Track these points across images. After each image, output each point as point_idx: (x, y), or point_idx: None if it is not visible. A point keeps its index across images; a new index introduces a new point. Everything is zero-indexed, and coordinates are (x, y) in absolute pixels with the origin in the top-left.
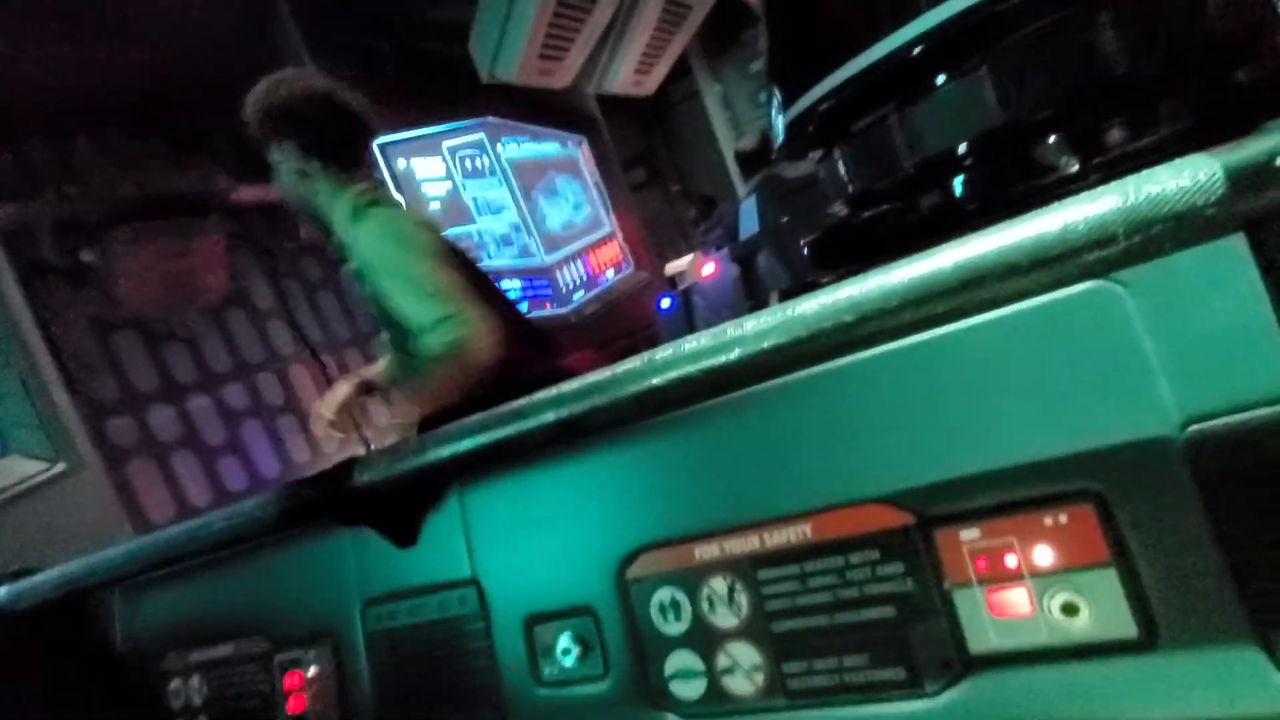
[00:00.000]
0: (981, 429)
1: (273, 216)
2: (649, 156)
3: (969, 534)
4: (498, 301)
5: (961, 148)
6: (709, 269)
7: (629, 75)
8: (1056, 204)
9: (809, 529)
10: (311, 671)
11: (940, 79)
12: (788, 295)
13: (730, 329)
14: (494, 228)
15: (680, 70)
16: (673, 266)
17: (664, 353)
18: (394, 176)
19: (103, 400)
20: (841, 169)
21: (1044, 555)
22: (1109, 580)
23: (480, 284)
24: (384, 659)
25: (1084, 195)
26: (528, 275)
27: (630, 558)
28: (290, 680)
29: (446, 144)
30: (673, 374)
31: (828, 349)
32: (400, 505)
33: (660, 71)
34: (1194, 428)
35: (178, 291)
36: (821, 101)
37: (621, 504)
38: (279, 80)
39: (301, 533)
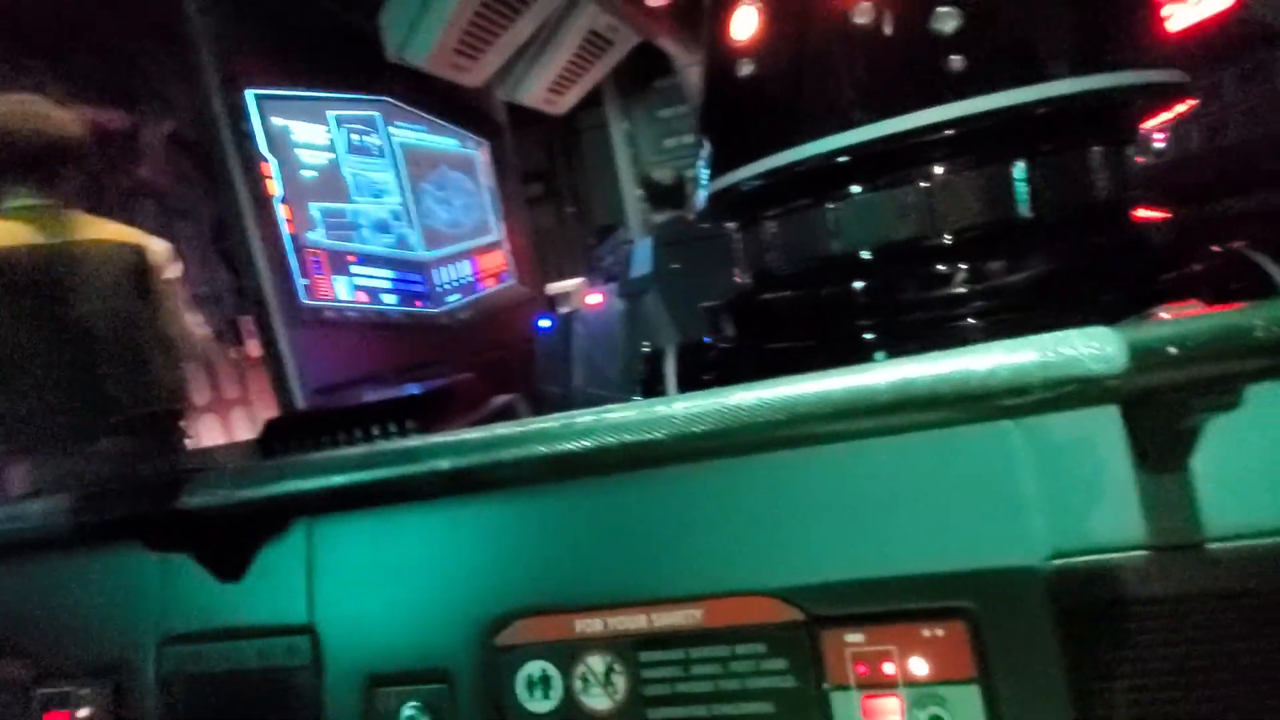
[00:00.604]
0: (877, 538)
1: (113, 147)
2: (549, 175)
3: (854, 637)
4: None
5: (865, 253)
6: (595, 299)
7: (542, 92)
8: (980, 346)
9: (700, 614)
10: (81, 714)
11: (864, 187)
12: (687, 354)
13: (660, 407)
14: (372, 211)
15: (593, 100)
16: (556, 287)
17: (584, 419)
18: (267, 133)
19: None
20: (755, 245)
21: (919, 666)
22: (972, 697)
23: None
24: (179, 709)
25: (1003, 344)
26: (402, 267)
27: (501, 623)
28: None
29: (334, 113)
30: (590, 442)
31: (751, 444)
32: (232, 533)
33: (574, 96)
34: (1058, 561)
35: None
36: (746, 182)
37: (499, 563)
38: None
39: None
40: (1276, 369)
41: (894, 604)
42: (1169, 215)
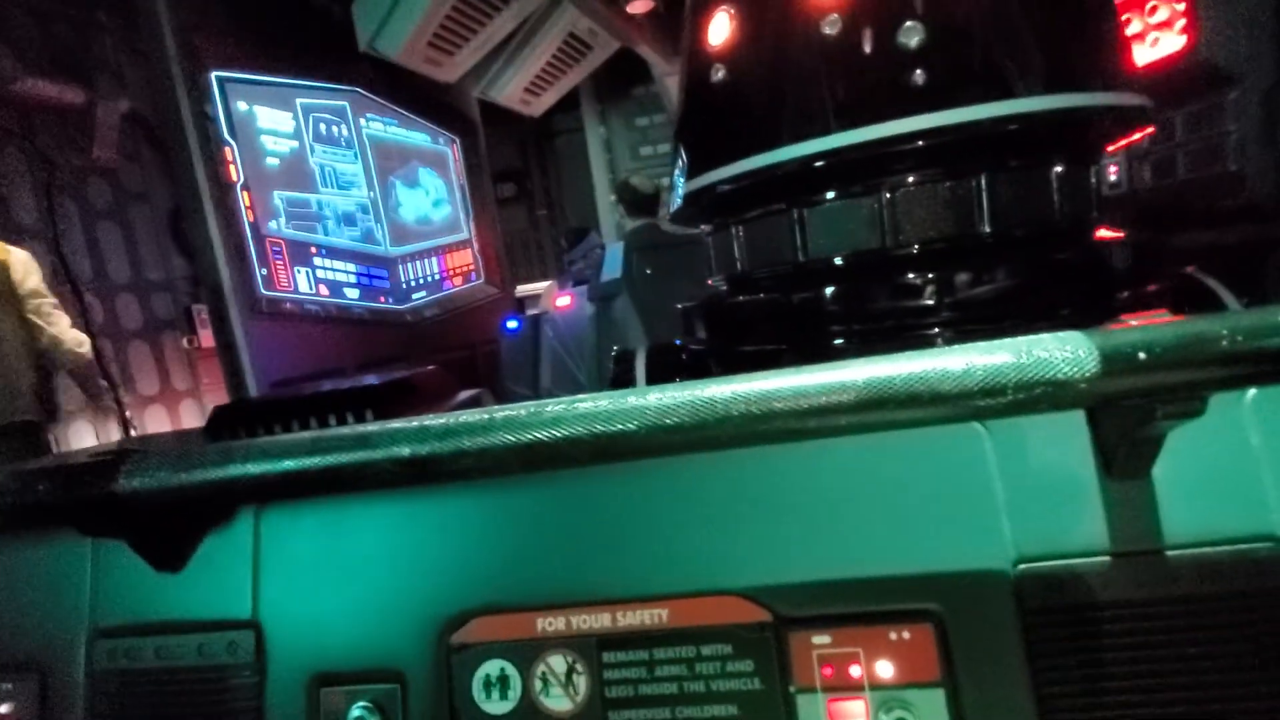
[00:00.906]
0: (846, 538)
1: (65, 122)
2: (522, 175)
3: (820, 639)
4: None
5: (839, 259)
6: (564, 301)
7: (518, 92)
8: (959, 346)
9: (665, 613)
10: (2, 710)
11: (833, 194)
12: (657, 355)
13: (632, 398)
14: (338, 203)
15: (569, 103)
16: (525, 289)
17: (554, 407)
18: (230, 118)
19: None
20: (727, 248)
21: (885, 669)
22: (938, 700)
23: None
24: (110, 709)
25: (980, 345)
26: (367, 262)
27: (457, 621)
28: None
29: (302, 100)
30: (559, 432)
31: (724, 438)
32: (172, 520)
33: (550, 98)
34: (1024, 565)
35: None
36: (721, 183)
37: (457, 558)
38: None
39: (22, 529)
40: (1240, 378)
41: (862, 606)
42: (1126, 238)
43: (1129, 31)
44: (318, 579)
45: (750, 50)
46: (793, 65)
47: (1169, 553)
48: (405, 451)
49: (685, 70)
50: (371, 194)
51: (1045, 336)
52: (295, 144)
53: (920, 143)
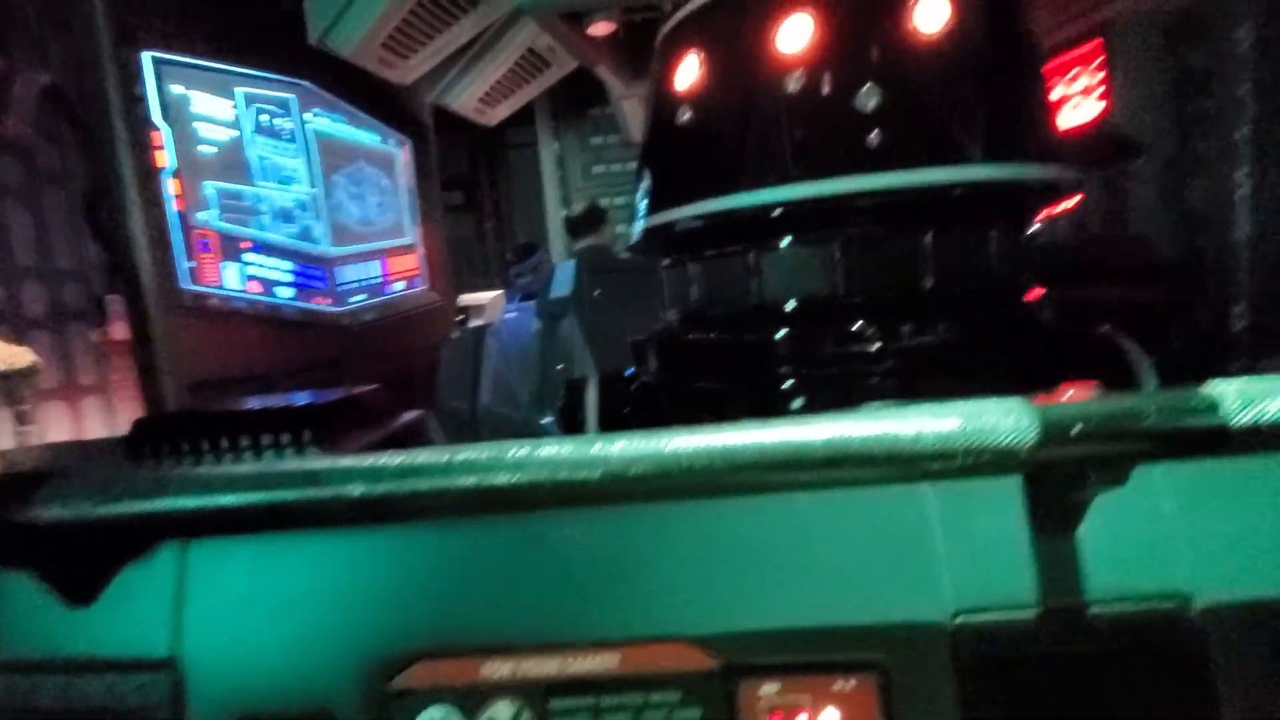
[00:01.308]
0: (797, 588)
1: None
2: (471, 185)
3: (769, 688)
4: None
5: (790, 304)
6: (511, 315)
7: (474, 101)
8: (913, 409)
9: (616, 659)
10: None
11: (787, 241)
12: (609, 386)
13: (596, 446)
14: (276, 198)
15: (525, 117)
16: (468, 299)
17: (517, 451)
18: (162, 100)
19: None
20: (683, 284)
21: (830, 717)
22: None
23: None
24: None
25: (928, 409)
26: (304, 261)
27: (397, 664)
28: None
29: (245, 90)
30: (521, 477)
31: (686, 490)
32: (90, 551)
33: (505, 109)
34: (960, 618)
35: None
36: (678, 223)
37: (398, 598)
38: None
39: None
40: (1160, 452)
41: (810, 655)
42: (1051, 296)
43: (1054, 95)
44: (247, 616)
45: (716, 96)
46: (756, 116)
47: (1090, 608)
48: (357, 491)
49: (652, 105)
50: (313, 190)
51: (991, 403)
52: (234, 133)
53: (872, 201)
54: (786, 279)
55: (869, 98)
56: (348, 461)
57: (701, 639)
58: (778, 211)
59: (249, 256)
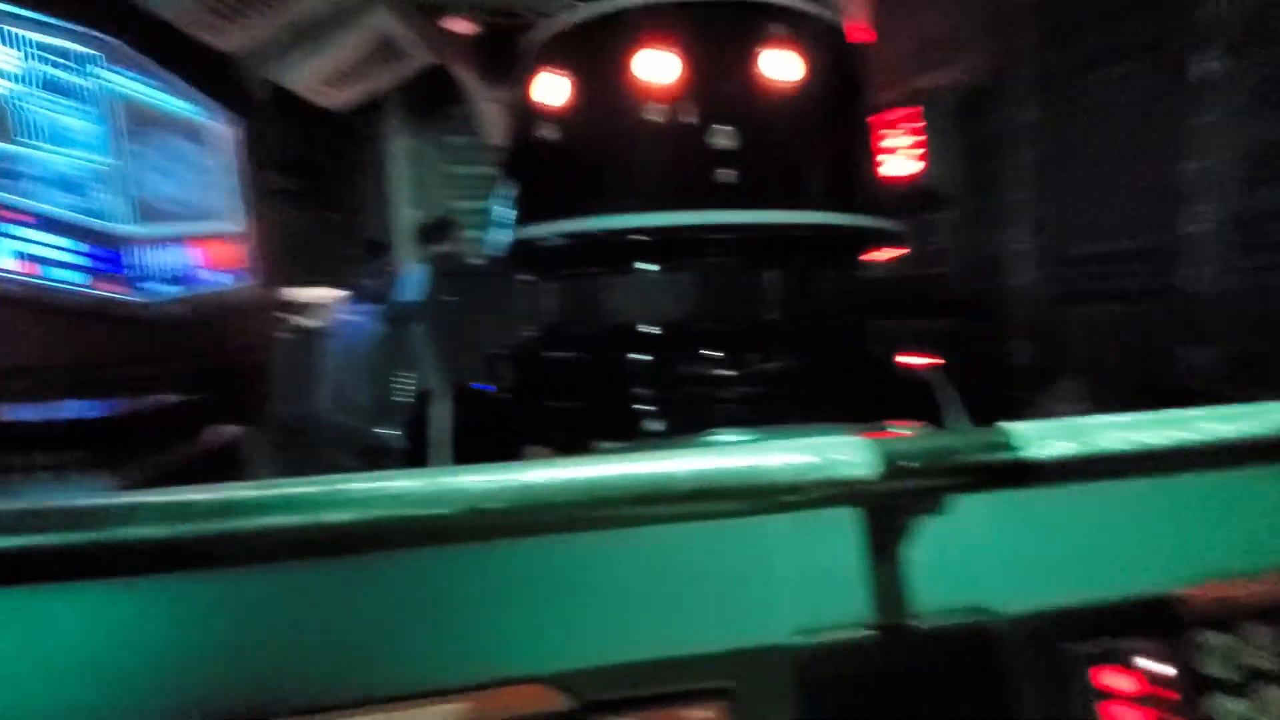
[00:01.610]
0: (649, 619)
1: None
2: (312, 172)
3: None
4: None
5: (647, 328)
6: (352, 316)
7: (316, 81)
8: (771, 444)
9: (465, 709)
10: None
11: (645, 266)
12: (463, 401)
13: (449, 479)
14: (55, 162)
15: (377, 107)
16: (303, 295)
17: (360, 485)
18: None
19: None
20: (543, 301)
21: None
22: None
23: None
24: None
25: (783, 445)
26: (94, 240)
27: None
28: None
29: (26, 33)
30: (363, 515)
31: (545, 525)
32: None
33: (351, 95)
34: (801, 640)
35: None
36: (537, 240)
37: (196, 656)
38: None
39: None
40: (974, 484)
41: (661, 687)
42: (875, 331)
43: (882, 150)
44: (16, 674)
45: (584, 118)
46: (621, 142)
47: (915, 624)
48: (159, 533)
49: (518, 117)
50: (112, 160)
51: (837, 440)
52: (7, 85)
53: (723, 235)
54: (644, 303)
55: (725, 138)
56: (146, 498)
57: (554, 677)
58: (638, 236)
59: (17, 231)
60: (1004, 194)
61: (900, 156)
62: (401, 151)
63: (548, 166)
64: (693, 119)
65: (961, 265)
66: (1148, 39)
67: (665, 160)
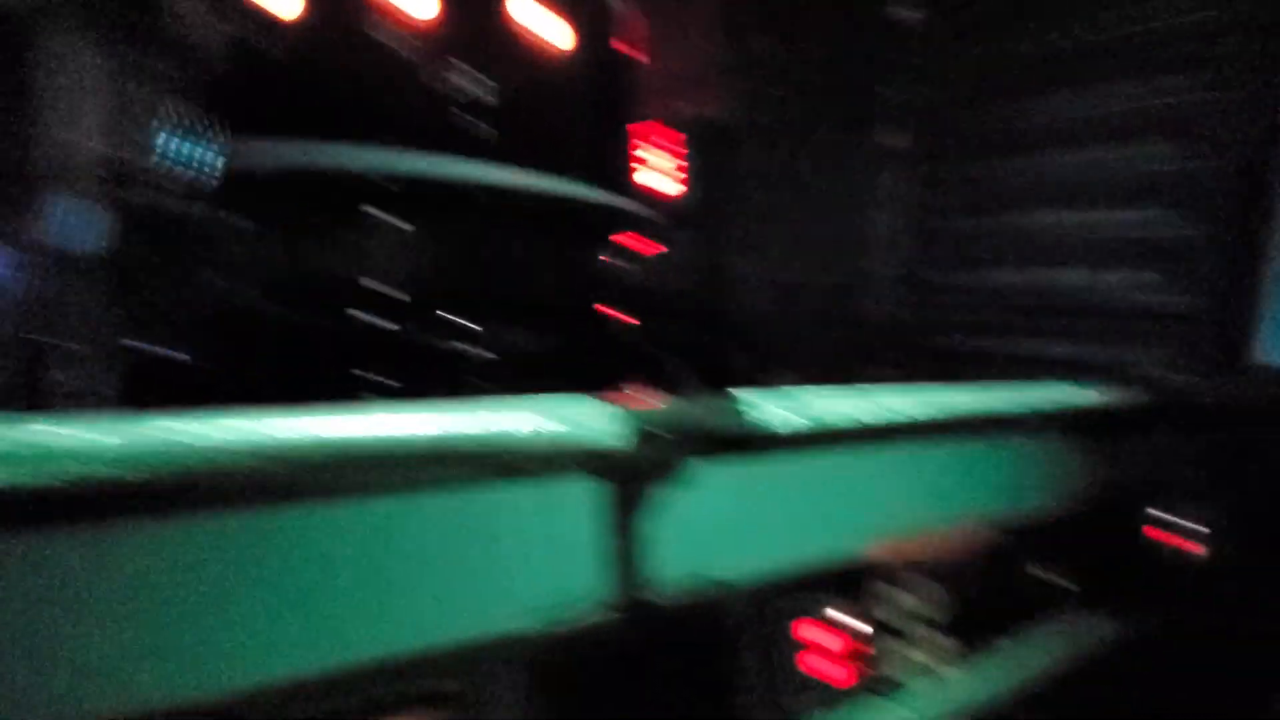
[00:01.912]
0: (354, 616)
1: None
2: None
3: None
4: None
5: (383, 288)
6: None
7: None
8: (517, 407)
9: None
10: None
11: (385, 217)
12: (145, 367)
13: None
14: None
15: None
16: None
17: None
18: None
19: None
20: (260, 250)
21: None
22: None
23: None
24: None
25: (530, 408)
26: None
27: None
28: None
29: None
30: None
31: (247, 489)
32: None
33: None
34: (535, 627)
35: None
36: (267, 170)
37: None
38: None
39: None
40: (710, 450)
41: (369, 696)
42: (620, 312)
43: (650, 167)
44: None
45: (327, 37)
46: (369, 74)
47: (651, 600)
48: None
49: (235, 20)
50: None
51: (584, 408)
52: None
53: (474, 192)
54: (386, 261)
55: (485, 90)
56: None
57: (240, 695)
58: (379, 179)
59: None
60: (738, 224)
61: (663, 176)
62: (73, 50)
63: (274, 86)
64: (454, 63)
65: (699, 281)
66: (844, 115)
67: (418, 100)
